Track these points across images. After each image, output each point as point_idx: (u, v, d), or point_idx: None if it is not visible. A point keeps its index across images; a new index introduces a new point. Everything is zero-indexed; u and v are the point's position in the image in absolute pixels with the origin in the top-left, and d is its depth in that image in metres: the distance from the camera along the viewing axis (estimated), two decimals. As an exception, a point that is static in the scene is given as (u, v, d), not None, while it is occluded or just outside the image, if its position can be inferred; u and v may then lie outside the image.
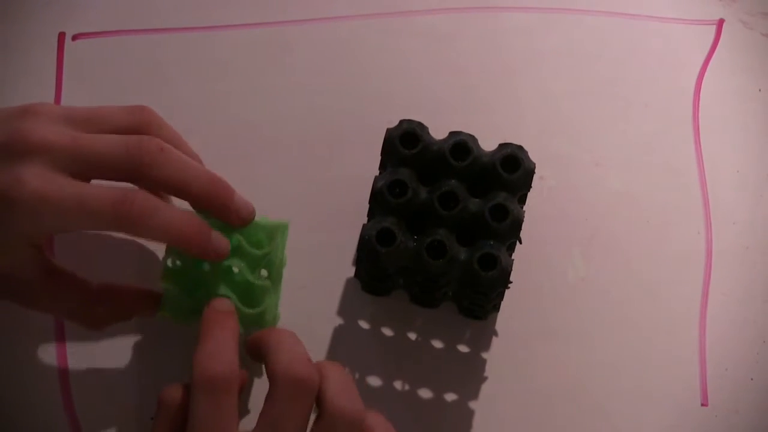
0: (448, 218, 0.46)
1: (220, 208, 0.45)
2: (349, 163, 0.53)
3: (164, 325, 0.49)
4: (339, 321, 0.50)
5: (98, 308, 0.46)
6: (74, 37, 0.55)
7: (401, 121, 0.47)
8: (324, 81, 0.55)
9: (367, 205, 0.47)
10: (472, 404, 0.49)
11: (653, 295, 0.51)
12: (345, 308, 0.51)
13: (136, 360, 0.49)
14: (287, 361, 0.41)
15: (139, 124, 0.46)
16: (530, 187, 0.47)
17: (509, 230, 0.45)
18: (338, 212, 0.52)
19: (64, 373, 0.49)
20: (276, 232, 0.46)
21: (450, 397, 0.49)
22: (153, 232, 0.43)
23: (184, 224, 0.44)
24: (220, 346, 0.41)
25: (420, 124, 0.47)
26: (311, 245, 0.51)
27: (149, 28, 0.55)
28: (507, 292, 0.46)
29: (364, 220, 0.47)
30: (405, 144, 0.46)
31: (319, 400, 0.41)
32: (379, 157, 0.48)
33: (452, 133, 0.47)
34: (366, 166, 0.49)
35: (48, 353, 0.49)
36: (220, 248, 0.44)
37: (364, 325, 0.50)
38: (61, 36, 0.55)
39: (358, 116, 0.54)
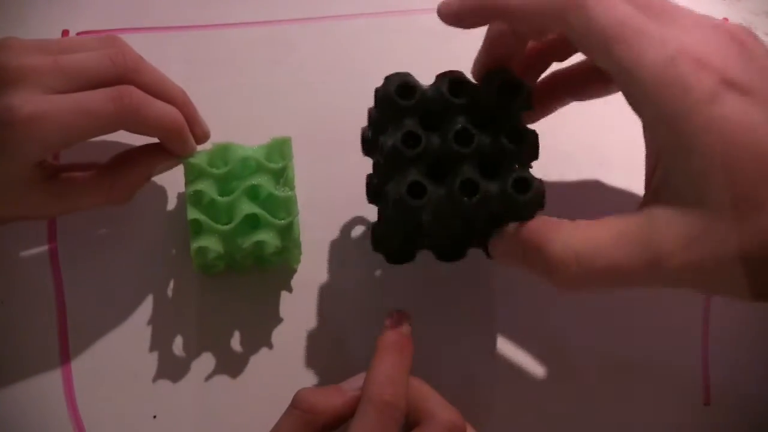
0: (469, 156, 0.44)
1: (190, 117, 0.48)
2: (352, 162, 0.53)
3: (166, 324, 0.50)
4: (342, 320, 0.51)
5: (116, 181, 0.47)
6: (78, 35, 0.55)
7: (389, 77, 0.45)
8: (326, 79, 0.55)
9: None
10: (475, 403, 0.49)
11: (656, 293, 0.51)
12: (348, 307, 0.51)
13: (139, 358, 0.49)
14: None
15: (112, 47, 0.47)
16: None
17: (530, 150, 0.44)
18: (340, 211, 0.52)
19: (66, 372, 0.49)
20: (284, 147, 0.48)
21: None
22: (152, 122, 0.45)
23: (175, 113, 0.46)
24: (397, 374, 0.43)
25: (408, 73, 0.45)
26: (314, 244, 0.51)
27: (152, 26, 0.55)
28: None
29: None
30: (402, 97, 0.44)
31: None
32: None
33: (441, 75, 0.45)
34: (369, 164, 0.49)
35: (51, 352, 0.49)
36: (193, 142, 0.48)
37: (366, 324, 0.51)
38: (65, 33, 0.55)
39: (361, 115, 0.54)
